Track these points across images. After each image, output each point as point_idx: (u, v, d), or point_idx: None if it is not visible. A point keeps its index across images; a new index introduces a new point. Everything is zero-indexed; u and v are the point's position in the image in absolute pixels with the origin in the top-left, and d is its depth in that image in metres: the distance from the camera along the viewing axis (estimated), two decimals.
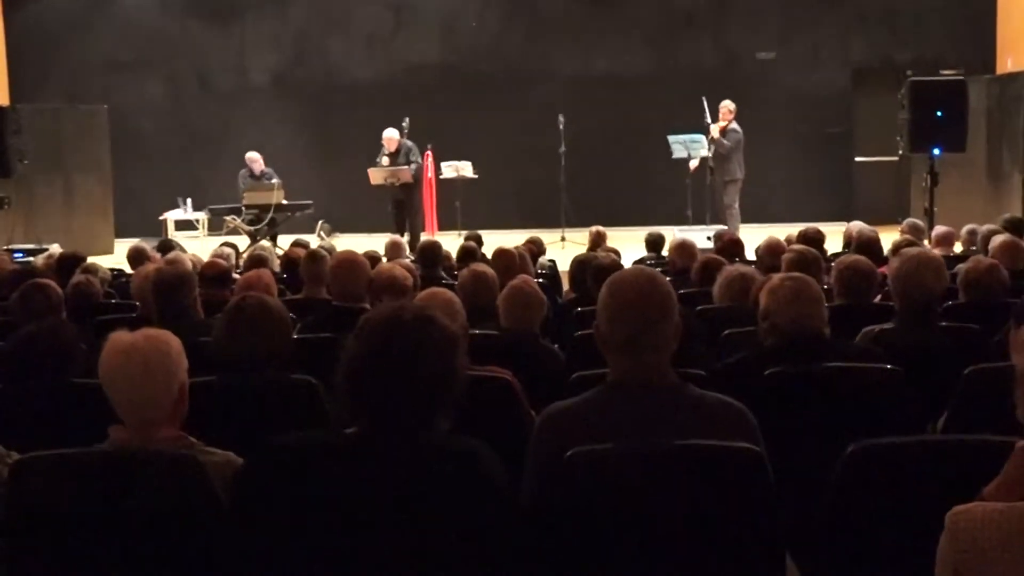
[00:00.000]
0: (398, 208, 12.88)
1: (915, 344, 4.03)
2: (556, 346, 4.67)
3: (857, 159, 15.30)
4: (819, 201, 14.51)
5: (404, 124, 13.26)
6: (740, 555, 2.34)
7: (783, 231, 8.84)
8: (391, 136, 12.88)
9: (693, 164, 13.09)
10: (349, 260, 4.65)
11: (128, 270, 8.04)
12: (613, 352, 2.54)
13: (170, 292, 4.37)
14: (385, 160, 12.79)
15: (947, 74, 13.21)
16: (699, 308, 5.27)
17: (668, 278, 6.87)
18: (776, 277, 3.70)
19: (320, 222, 13.86)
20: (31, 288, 4.49)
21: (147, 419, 2.56)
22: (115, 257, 11.94)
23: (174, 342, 2.65)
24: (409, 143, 12.99)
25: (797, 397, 3.26)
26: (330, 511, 2.27)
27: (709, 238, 10.37)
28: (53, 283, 4.74)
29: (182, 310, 4.41)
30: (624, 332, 2.49)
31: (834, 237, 9.50)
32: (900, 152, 12.47)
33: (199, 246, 11.88)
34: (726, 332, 4.35)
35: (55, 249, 9.85)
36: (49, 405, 3.38)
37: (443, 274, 7.02)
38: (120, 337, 2.61)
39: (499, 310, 4.40)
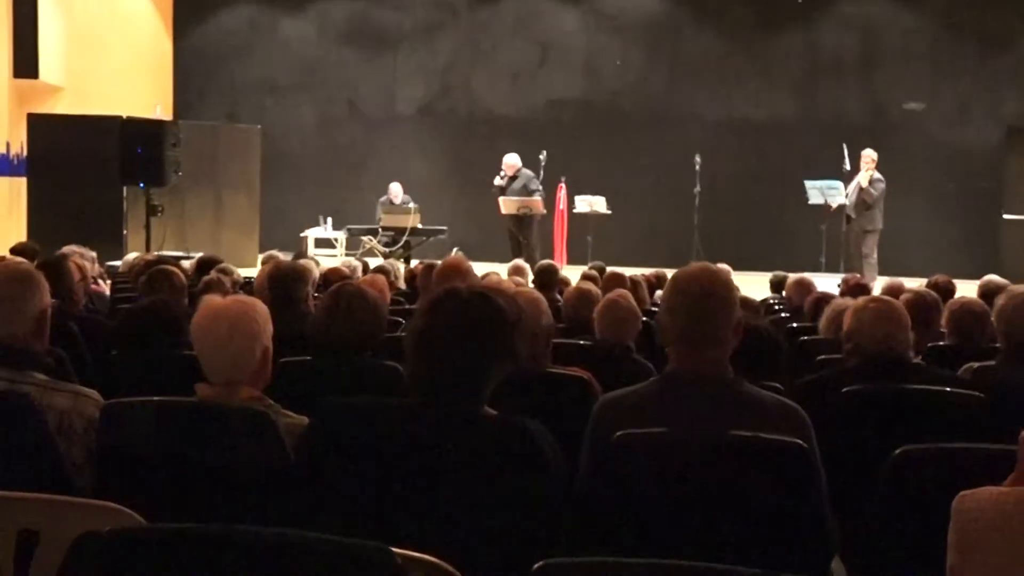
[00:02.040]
0: (514, 236, 13.02)
1: (1017, 382, 3.93)
2: None
3: (1005, 216, 14.81)
4: (962, 258, 14.06)
5: (541, 157, 13.48)
6: (782, 548, 2.36)
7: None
8: (512, 162, 13.10)
9: (835, 202, 12.88)
10: (454, 265, 4.80)
11: None
12: (672, 344, 2.60)
13: (283, 282, 4.60)
14: (498, 180, 13.00)
15: None
16: (803, 339, 5.25)
17: (785, 314, 6.95)
18: (861, 299, 3.68)
19: (455, 249, 14.14)
20: (157, 272, 4.80)
21: (230, 378, 2.73)
22: (256, 271, 12.44)
23: (261, 308, 2.82)
24: (529, 172, 13.17)
25: (874, 416, 3.24)
26: (384, 470, 2.39)
27: (839, 285, 10.22)
28: (179, 271, 5.04)
29: (293, 301, 4.62)
30: (682, 324, 2.55)
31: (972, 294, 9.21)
32: None
33: (335, 263, 12.27)
34: (820, 357, 4.32)
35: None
36: (158, 372, 3.61)
37: (558, 296, 7.12)
38: (212, 300, 2.80)
39: (594, 322, 4.48)
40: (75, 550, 1.69)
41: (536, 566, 1.61)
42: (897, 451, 2.35)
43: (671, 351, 2.61)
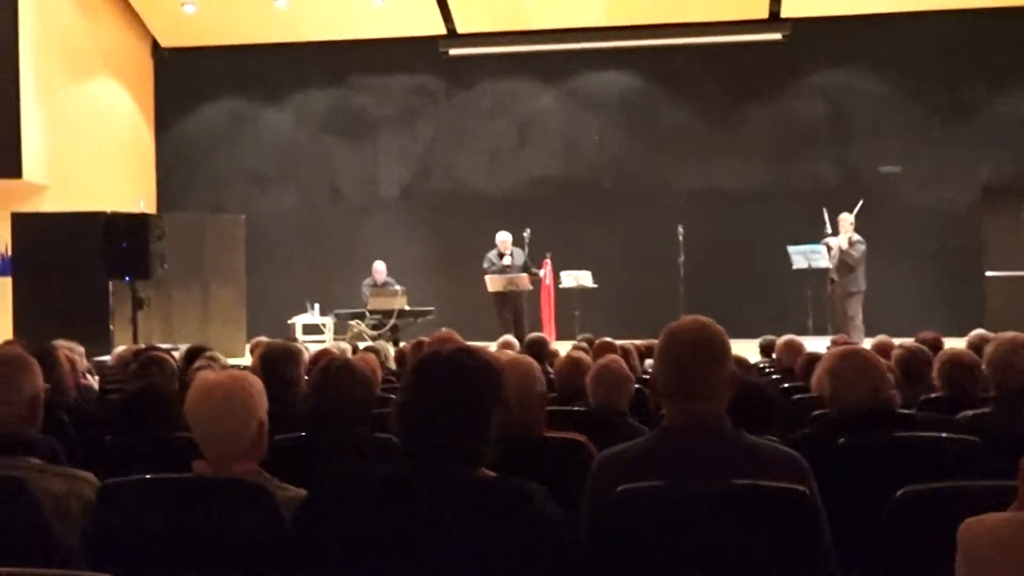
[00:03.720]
0: (501, 314, 13.01)
1: (1011, 428, 3.94)
2: None
3: (988, 274, 14.93)
4: (947, 316, 14.14)
5: (525, 235, 13.57)
6: None
7: None
8: (506, 239, 13.18)
9: (818, 265, 12.98)
10: (444, 338, 4.81)
11: None
12: (667, 398, 2.60)
13: (276, 363, 4.59)
14: (507, 261, 13.03)
15: None
16: (796, 397, 5.26)
17: (775, 376, 6.96)
18: (831, 359, 3.67)
19: (444, 329, 14.12)
20: (148, 359, 4.80)
21: (226, 453, 2.72)
22: (245, 360, 12.39)
23: (255, 382, 2.82)
24: (520, 250, 13.27)
25: (870, 466, 3.23)
26: (381, 541, 2.36)
27: (828, 347, 10.27)
28: (169, 357, 5.03)
29: (286, 383, 4.61)
30: (676, 378, 2.56)
31: None
32: None
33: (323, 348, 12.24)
34: (815, 413, 4.33)
35: None
36: (153, 455, 3.58)
37: (549, 368, 7.11)
38: (206, 376, 2.80)
39: (587, 389, 4.48)
40: None
41: None
42: (899, 492, 2.35)
43: (666, 406, 2.61)
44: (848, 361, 3.55)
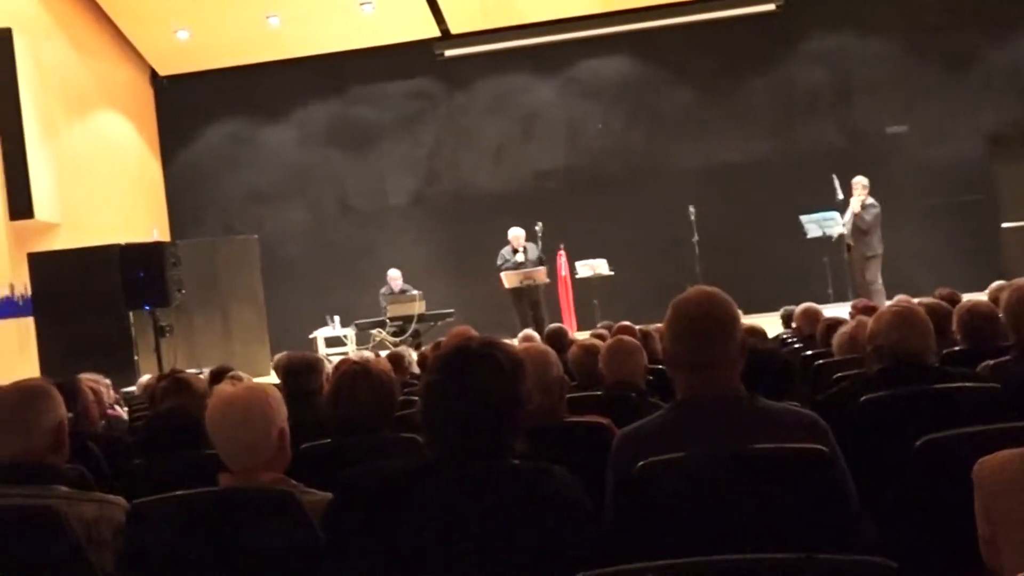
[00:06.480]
0: (520, 309, 13.01)
1: None
2: None
3: (1004, 225, 14.82)
4: (966, 271, 14.02)
5: (537, 228, 13.57)
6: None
7: None
8: (519, 235, 13.18)
9: (833, 232, 12.95)
10: (461, 332, 4.83)
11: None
12: (680, 371, 2.61)
13: (296, 374, 4.62)
14: (520, 257, 13.04)
15: None
16: (819, 363, 5.25)
17: (798, 344, 6.95)
18: (884, 316, 3.68)
19: (459, 327, 14.14)
20: (171, 382, 4.83)
21: (250, 464, 2.74)
22: (270, 379, 12.43)
23: (272, 392, 2.84)
24: (533, 245, 13.28)
25: (895, 420, 3.23)
26: (411, 535, 2.37)
27: (850, 312, 10.24)
28: (193, 380, 5.06)
29: (307, 393, 4.63)
30: (687, 350, 2.56)
31: None
32: None
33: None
34: (836, 375, 4.33)
35: None
36: (183, 475, 3.60)
37: (569, 359, 7.12)
38: (223, 389, 2.82)
39: (602, 370, 4.49)
40: None
41: None
42: (920, 441, 2.35)
43: (679, 378, 2.62)
44: (897, 311, 3.55)
